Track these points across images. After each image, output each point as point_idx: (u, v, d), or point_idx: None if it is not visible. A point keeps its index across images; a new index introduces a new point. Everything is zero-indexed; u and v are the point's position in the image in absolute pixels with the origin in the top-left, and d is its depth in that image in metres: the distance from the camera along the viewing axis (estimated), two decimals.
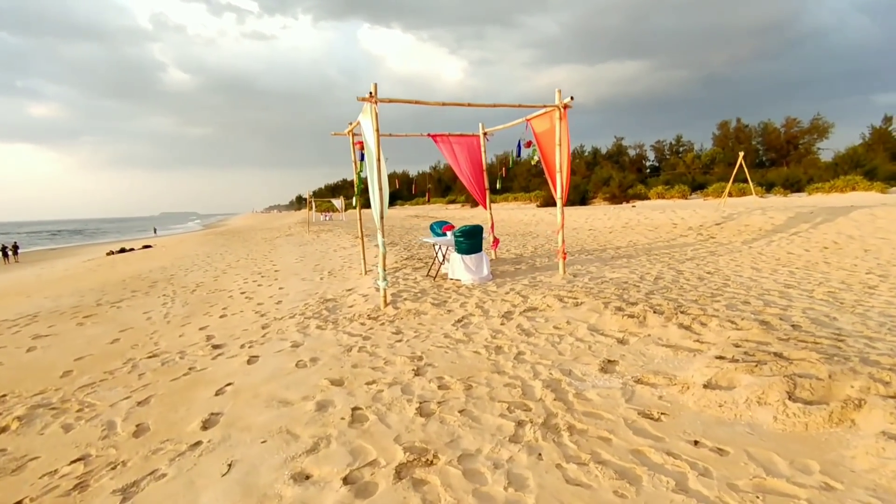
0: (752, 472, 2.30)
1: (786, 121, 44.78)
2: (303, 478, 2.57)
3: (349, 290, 7.43)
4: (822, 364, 3.06)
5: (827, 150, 41.47)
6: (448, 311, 5.62)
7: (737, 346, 3.65)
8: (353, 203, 8.53)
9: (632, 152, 53.34)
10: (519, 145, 7.71)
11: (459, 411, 3.15)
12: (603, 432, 2.77)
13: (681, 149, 51.26)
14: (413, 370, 3.94)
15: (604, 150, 53.95)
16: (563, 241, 7.03)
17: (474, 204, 42.38)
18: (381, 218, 6.03)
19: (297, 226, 32.11)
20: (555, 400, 3.21)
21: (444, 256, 7.74)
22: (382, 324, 5.39)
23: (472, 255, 7.03)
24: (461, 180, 8.87)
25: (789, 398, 2.78)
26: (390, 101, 5.89)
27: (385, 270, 6.07)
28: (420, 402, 3.32)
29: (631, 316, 4.63)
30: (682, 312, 4.60)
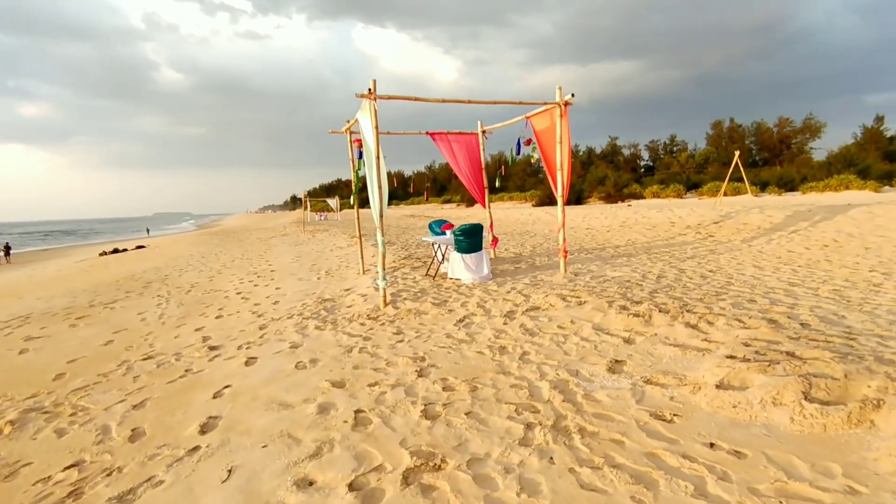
0: (772, 475, 2.23)
1: (778, 120, 45.03)
2: (306, 484, 2.47)
3: (347, 289, 7.34)
4: (836, 363, 3.00)
5: (819, 149, 41.74)
6: (449, 310, 5.53)
7: (747, 345, 3.59)
8: (351, 202, 8.42)
9: (626, 152, 53.51)
10: (518, 143, 7.63)
11: (466, 413, 3.07)
12: (615, 435, 2.69)
13: (675, 148, 51.45)
14: (416, 371, 3.86)
15: (598, 150, 54.07)
16: (565, 240, 6.96)
17: (470, 203, 42.33)
18: (381, 217, 5.94)
19: (292, 226, 31.93)
20: (563, 401, 3.13)
21: (443, 255, 7.65)
22: (382, 324, 5.29)
23: (473, 254, 6.95)
24: (460, 179, 8.79)
25: (805, 398, 2.72)
26: (389, 97, 5.80)
27: (385, 270, 5.98)
28: (425, 405, 3.23)
29: (636, 315, 4.56)
30: (687, 311, 4.53)
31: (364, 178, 6.46)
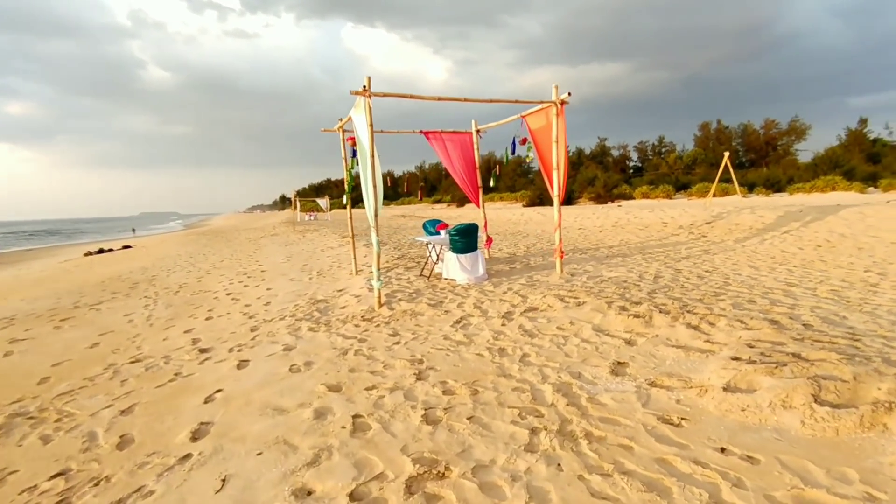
0: (787, 481, 2.17)
1: (765, 122, 45.58)
2: (305, 494, 2.37)
3: (340, 290, 7.21)
4: (844, 365, 2.96)
5: (805, 151, 42.33)
6: (445, 311, 5.44)
7: (751, 346, 3.54)
8: (344, 201, 8.29)
9: (615, 153, 53.82)
10: (514, 142, 7.56)
11: (468, 418, 2.98)
12: (623, 440, 2.62)
13: (663, 149, 51.84)
14: (414, 374, 3.76)
15: (588, 151, 54.31)
16: (561, 240, 6.90)
17: (461, 203, 42.26)
18: (375, 216, 5.83)
19: (281, 226, 31.62)
20: (567, 405, 3.05)
21: (437, 256, 7.56)
22: (378, 325, 5.19)
23: (468, 254, 6.87)
24: (454, 178, 8.70)
25: (815, 401, 2.66)
26: (385, 95, 5.70)
27: (379, 270, 5.87)
28: (425, 409, 3.14)
29: (636, 316, 4.50)
30: (688, 312, 4.48)
31: (357, 177, 6.34)
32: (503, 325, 4.81)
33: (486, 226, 8.99)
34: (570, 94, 6.42)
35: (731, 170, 18.46)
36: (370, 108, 5.56)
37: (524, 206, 33.50)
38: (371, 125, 5.57)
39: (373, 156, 5.68)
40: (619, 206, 25.75)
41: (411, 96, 5.96)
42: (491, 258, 9.13)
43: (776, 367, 3.05)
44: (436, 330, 4.86)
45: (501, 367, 3.77)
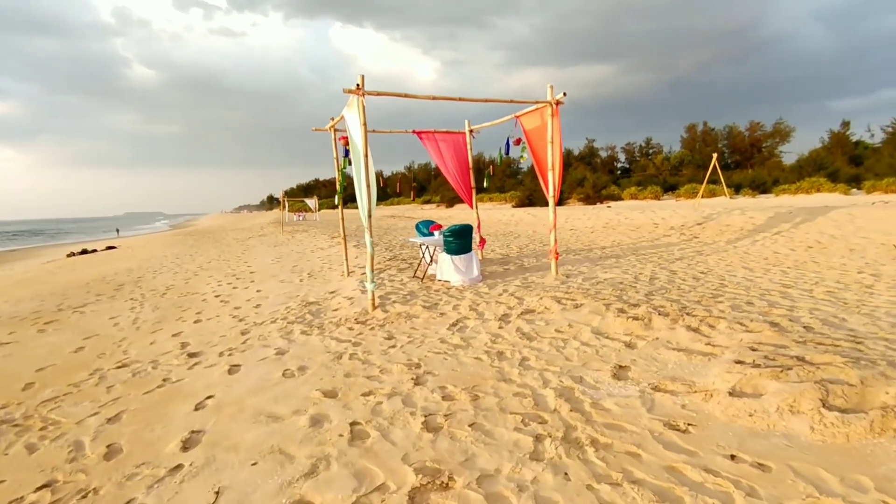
0: (801, 490, 2.11)
1: (750, 124, 46.17)
2: None
3: (332, 292, 7.10)
4: (850, 369, 2.92)
5: (789, 153, 42.95)
6: (441, 313, 5.36)
7: (753, 349, 3.50)
8: (336, 201, 8.17)
9: (603, 154, 54.15)
10: (508, 143, 7.50)
11: (469, 425, 2.90)
12: (630, 447, 2.55)
13: (650, 151, 52.27)
14: (412, 379, 3.67)
15: (576, 152, 54.55)
16: (556, 241, 6.85)
17: (450, 204, 42.16)
18: (369, 217, 5.73)
19: (269, 226, 31.32)
20: (571, 411, 2.99)
21: (431, 257, 7.47)
22: (372, 328, 5.09)
23: (462, 256, 6.79)
24: (447, 179, 8.62)
25: (823, 406, 2.62)
26: (378, 93, 5.61)
27: (373, 272, 5.77)
28: (425, 416, 3.05)
29: (635, 318, 4.45)
30: (687, 314, 4.44)
31: (350, 177, 6.25)
32: (500, 327, 4.73)
33: (479, 227, 8.93)
34: (565, 94, 6.37)
35: (719, 171, 18.62)
36: (363, 107, 5.47)
37: (513, 206, 33.52)
38: (365, 124, 5.47)
39: (366, 155, 5.59)
40: (609, 206, 25.85)
41: (406, 95, 5.87)
42: (484, 259, 9.06)
43: (781, 371, 3.01)
44: (432, 333, 4.77)
45: (501, 372, 3.69)
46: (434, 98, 6.10)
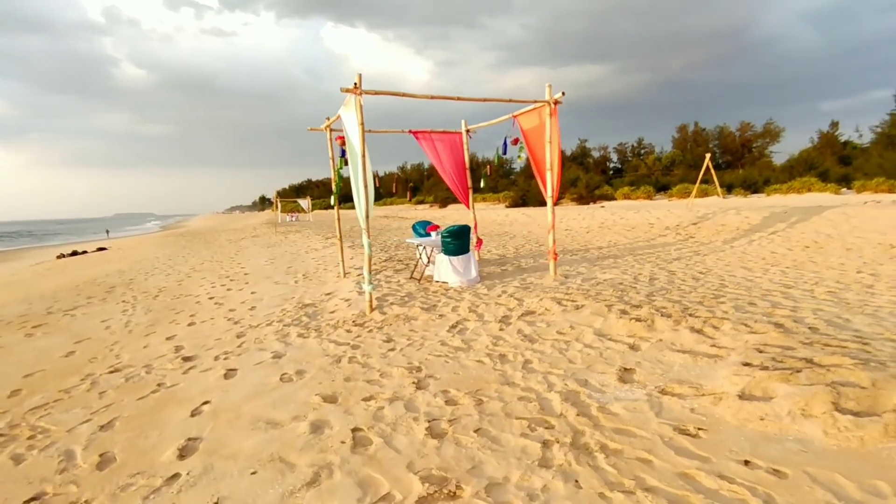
0: (819, 496, 2.06)
1: (740, 125, 46.40)
2: None
3: (328, 293, 7.00)
4: (860, 371, 2.88)
5: (779, 153, 43.25)
6: (440, 315, 5.29)
7: (760, 351, 3.46)
8: (332, 202, 8.07)
9: (596, 154, 54.23)
10: (505, 143, 7.44)
11: (475, 431, 2.83)
12: (641, 452, 2.49)
13: (642, 151, 52.43)
14: (413, 383, 3.60)
15: (569, 152, 54.62)
16: (555, 242, 6.80)
17: (443, 204, 42.10)
18: (367, 218, 5.65)
19: (262, 227, 31.10)
20: (578, 415, 2.92)
21: (428, 258, 7.39)
22: (370, 331, 5.01)
23: (460, 257, 6.72)
24: (443, 179, 8.55)
25: (836, 409, 2.58)
26: (376, 93, 5.52)
27: (371, 273, 5.69)
28: (429, 421, 2.98)
29: (638, 319, 4.40)
30: (690, 315, 4.40)
31: (347, 178, 6.16)
32: (501, 329, 4.67)
33: (475, 227, 8.87)
34: (563, 93, 6.33)
35: (712, 171, 18.69)
36: (361, 106, 5.39)
37: (507, 206, 33.48)
38: (362, 124, 5.40)
39: (364, 155, 5.51)
40: (603, 206, 25.88)
41: (404, 94, 5.79)
42: (481, 260, 9.00)
43: (791, 374, 2.97)
44: (431, 335, 4.70)
45: (504, 375, 3.63)
46: (432, 97, 6.03)
